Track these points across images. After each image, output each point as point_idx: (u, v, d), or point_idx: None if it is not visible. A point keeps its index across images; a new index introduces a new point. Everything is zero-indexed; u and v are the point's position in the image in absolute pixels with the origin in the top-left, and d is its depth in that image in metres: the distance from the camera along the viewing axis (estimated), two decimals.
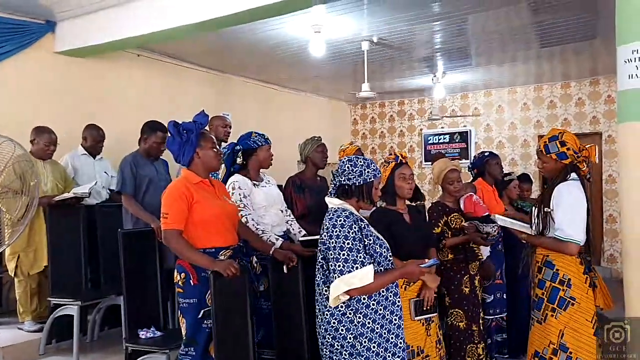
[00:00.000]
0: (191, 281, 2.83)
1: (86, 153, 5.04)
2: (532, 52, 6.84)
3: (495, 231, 3.87)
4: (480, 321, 3.79)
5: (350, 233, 2.37)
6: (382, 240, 2.53)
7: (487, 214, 4.05)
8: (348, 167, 2.54)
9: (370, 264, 2.35)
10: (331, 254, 2.37)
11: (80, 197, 4.39)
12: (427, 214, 3.93)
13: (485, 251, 4.06)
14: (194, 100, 7.00)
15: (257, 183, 3.50)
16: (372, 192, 2.55)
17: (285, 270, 3.21)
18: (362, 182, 2.52)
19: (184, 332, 2.91)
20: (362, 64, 6.13)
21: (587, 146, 2.98)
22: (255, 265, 3.30)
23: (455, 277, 3.70)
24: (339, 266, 2.33)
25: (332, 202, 2.56)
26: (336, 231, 2.38)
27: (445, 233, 3.73)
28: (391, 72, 7.78)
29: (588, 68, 7.77)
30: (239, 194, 3.32)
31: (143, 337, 3.46)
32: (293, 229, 3.70)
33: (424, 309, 3.13)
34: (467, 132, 9.26)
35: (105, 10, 5.20)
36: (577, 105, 8.42)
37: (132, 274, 3.56)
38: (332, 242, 2.37)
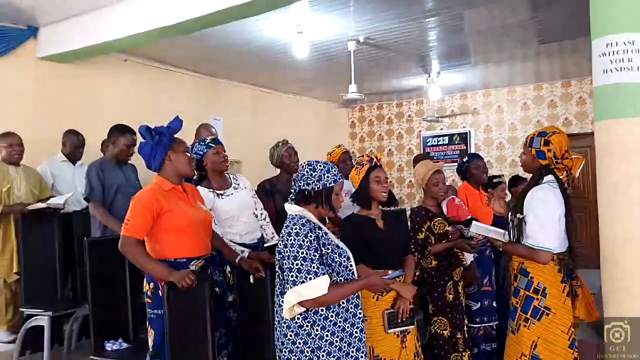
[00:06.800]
0: (160, 291, 2.73)
1: (66, 159, 4.96)
2: (531, 50, 6.68)
3: (480, 235, 3.72)
4: (465, 329, 3.67)
5: (305, 242, 2.26)
6: (342, 249, 2.41)
7: (470, 217, 3.92)
8: (307, 172, 2.44)
9: (324, 274, 2.24)
10: (285, 264, 2.28)
11: (55, 207, 4.30)
12: (408, 219, 3.80)
13: (468, 256, 3.92)
14: (183, 105, 6.91)
15: (221, 193, 3.35)
16: (332, 198, 2.43)
17: (252, 281, 3.09)
18: (321, 188, 2.41)
19: (150, 343, 2.82)
20: (352, 66, 5.98)
21: (573, 156, 2.76)
22: (228, 275, 3.19)
23: (439, 283, 3.59)
24: (292, 276, 2.24)
25: (291, 208, 2.45)
26: (291, 240, 2.28)
27: (429, 239, 3.61)
28: (385, 73, 7.64)
29: (588, 66, 7.50)
30: None
31: (109, 349, 3.35)
32: (266, 234, 3.57)
33: (399, 321, 3.00)
34: (466, 133, 9.08)
35: (86, 14, 5.14)
36: (579, 104, 8.22)
37: (99, 283, 3.46)
38: (287, 251, 2.28)
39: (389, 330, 2.95)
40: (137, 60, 6.47)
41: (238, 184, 3.48)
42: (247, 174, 7.06)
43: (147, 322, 2.82)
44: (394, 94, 9.36)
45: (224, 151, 3.47)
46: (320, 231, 2.36)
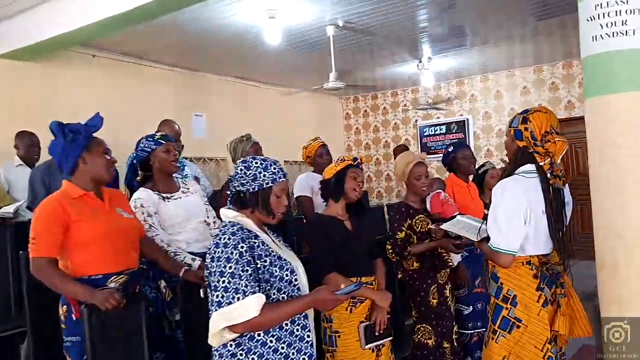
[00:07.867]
0: (73, 315, 2.37)
1: (22, 163, 4.63)
2: (528, 28, 6.21)
3: None
4: (454, 337, 3.34)
5: (234, 255, 1.88)
6: (284, 260, 2.02)
7: (457, 213, 3.54)
8: (240, 171, 2.07)
9: (253, 292, 1.85)
10: (212, 281, 1.90)
11: (4, 216, 3.95)
12: (388, 217, 3.49)
13: (455, 256, 3.55)
14: (161, 102, 6.55)
15: (167, 196, 2.94)
16: (271, 201, 2.04)
17: (202, 295, 2.72)
18: (256, 189, 2.03)
19: None
20: (331, 52, 5.56)
21: (556, 139, 2.27)
22: (164, 290, 2.81)
23: (421, 287, 3.27)
24: (217, 296, 1.86)
25: (226, 214, 2.07)
26: (218, 252, 1.91)
27: (410, 238, 3.27)
28: (372, 60, 7.19)
29: None
30: (142, 213, 2.79)
31: None
32: None
33: (376, 334, 2.67)
34: (464, 121, 8.63)
35: (41, 6, 4.80)
36: (581, 85, 7.73)
37: (40, 303, 3.07)
38: (213, 266, 1.90)
39: (366, 346, 2.63)
40: (107, 56, 6.10)
41: (187, 189, 3.08)
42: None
43: (64, 351, 2.44)
44: (388, 83, 8.92)
45: (176, 150, 3.08)
46: (256, 240, 1.98)
